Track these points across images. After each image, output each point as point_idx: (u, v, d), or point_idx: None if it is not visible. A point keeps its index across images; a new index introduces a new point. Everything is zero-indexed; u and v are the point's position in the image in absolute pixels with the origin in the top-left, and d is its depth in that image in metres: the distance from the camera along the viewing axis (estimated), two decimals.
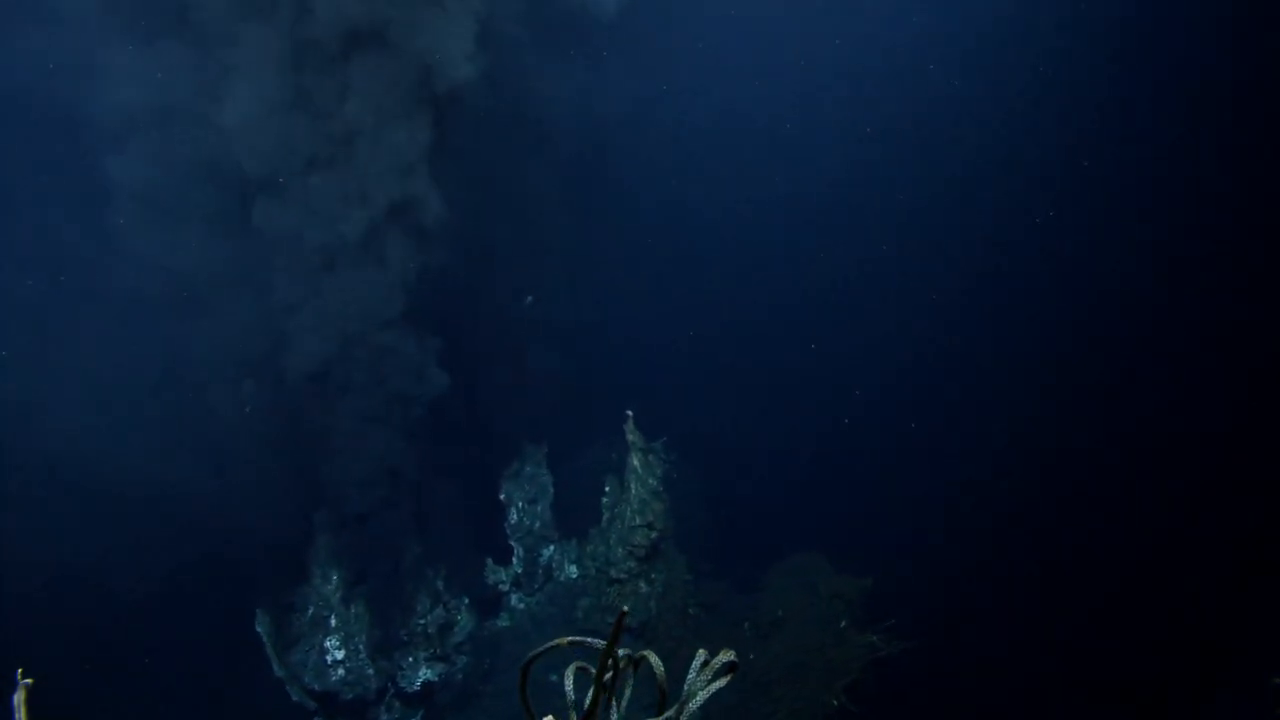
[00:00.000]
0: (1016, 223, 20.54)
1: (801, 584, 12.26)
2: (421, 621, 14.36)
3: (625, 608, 3.99)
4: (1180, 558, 15.18)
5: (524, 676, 3.96)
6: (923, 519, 16.22)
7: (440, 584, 14.53)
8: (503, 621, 13.93)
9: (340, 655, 14.37)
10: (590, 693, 3.58)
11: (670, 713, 3.55)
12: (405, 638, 14.26)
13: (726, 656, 3.65)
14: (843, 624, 12.16)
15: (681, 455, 14.64)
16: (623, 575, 12.77)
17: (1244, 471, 15.99)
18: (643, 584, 12.46)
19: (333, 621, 14.46)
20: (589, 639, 3.61)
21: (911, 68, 22.34)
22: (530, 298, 15.53)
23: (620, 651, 3.57)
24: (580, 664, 3.82)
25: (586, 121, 17.24)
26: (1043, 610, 14.97)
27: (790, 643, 11.93)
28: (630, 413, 13.15)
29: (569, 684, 3.71)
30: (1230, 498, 15.82)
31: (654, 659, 3.66)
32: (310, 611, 14.55)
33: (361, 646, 14.30)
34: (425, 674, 14.06)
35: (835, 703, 12.06)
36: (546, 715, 3.68)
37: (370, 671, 14.10)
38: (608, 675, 3.65)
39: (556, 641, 3.85)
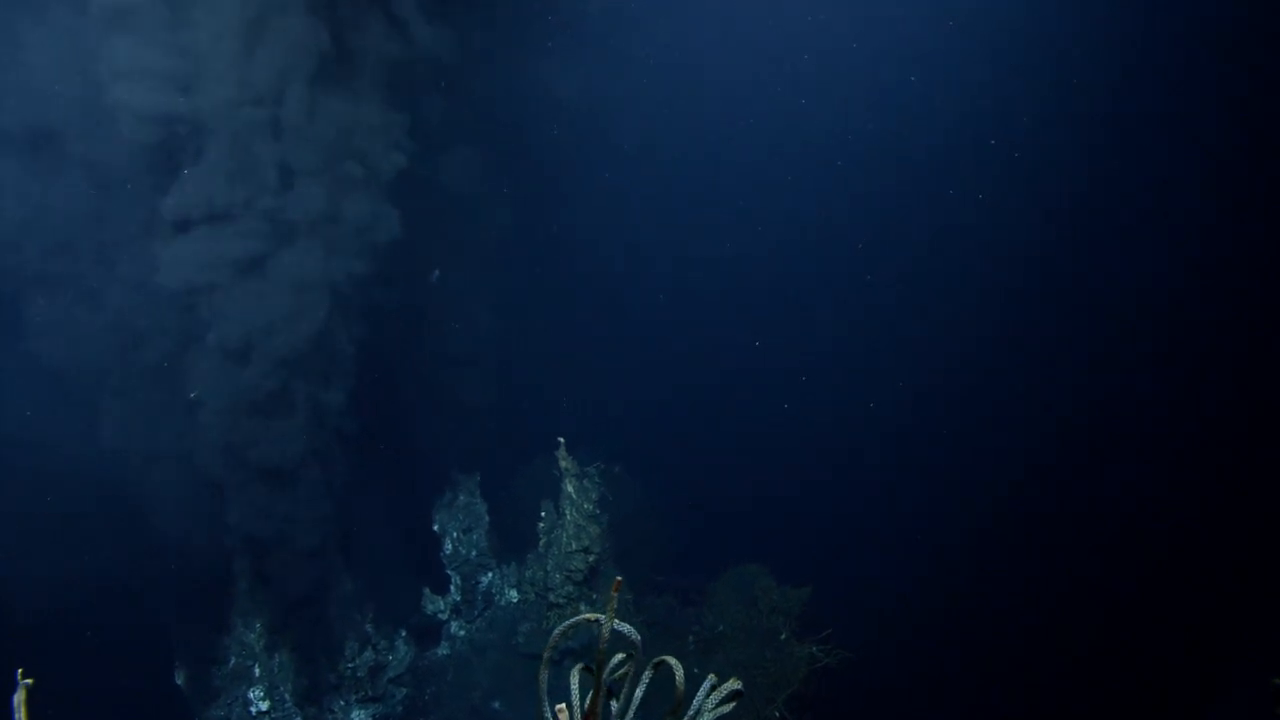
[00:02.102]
0: (956, 242, 21.08)
1: (743, 597, 12.39)
2: (350, 665, 14.01)
3: (619, 577, 4.07)
4: (1179, 559, 15.66)
5: (545, 657, 4.03)
6: (863, 527, 16.49)
7: (369, 627, 14.22)
8: (443, 650, 13.70)
9: (265, 706, 13.87)
10: (614, 691, 3.67)
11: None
12: (335, 681, 13.86)
13: (734, 685, 3.82)
14: (783, 636, 12.33)
15: (625, 469, 14.68)
16: (561, 600, 12.71)
17: (1242, 473, 16.55)
18: (583, 607, 12.41)
19: (256, 671, 13.97)
20: (600, 618, 3.71)
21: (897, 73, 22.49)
22: (436, 272, 15.21)
23: (618, 654, 3.68)
24: (584, 665, 3.90)
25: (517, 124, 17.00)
26: (996, 616, 15.36)
27: (732, 656, 12.04)
28: (561, 439, 13.15)
29: (574, 684, 3.78)
30: (1229, 499, 16.37)
31: (674, 663, 3.78)
32: (232, 662, 14.02)
33: (288, 695, 13.84)
34: (358, 716, 13.69)
35: (777, 714, 12.19)
36: (560, 704, 3.73)
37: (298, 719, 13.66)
38: (618, 672, 3.75)
39: (584, 616, 3.93)
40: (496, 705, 12.93)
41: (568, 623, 4.07)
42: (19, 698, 3.51)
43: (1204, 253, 18.92)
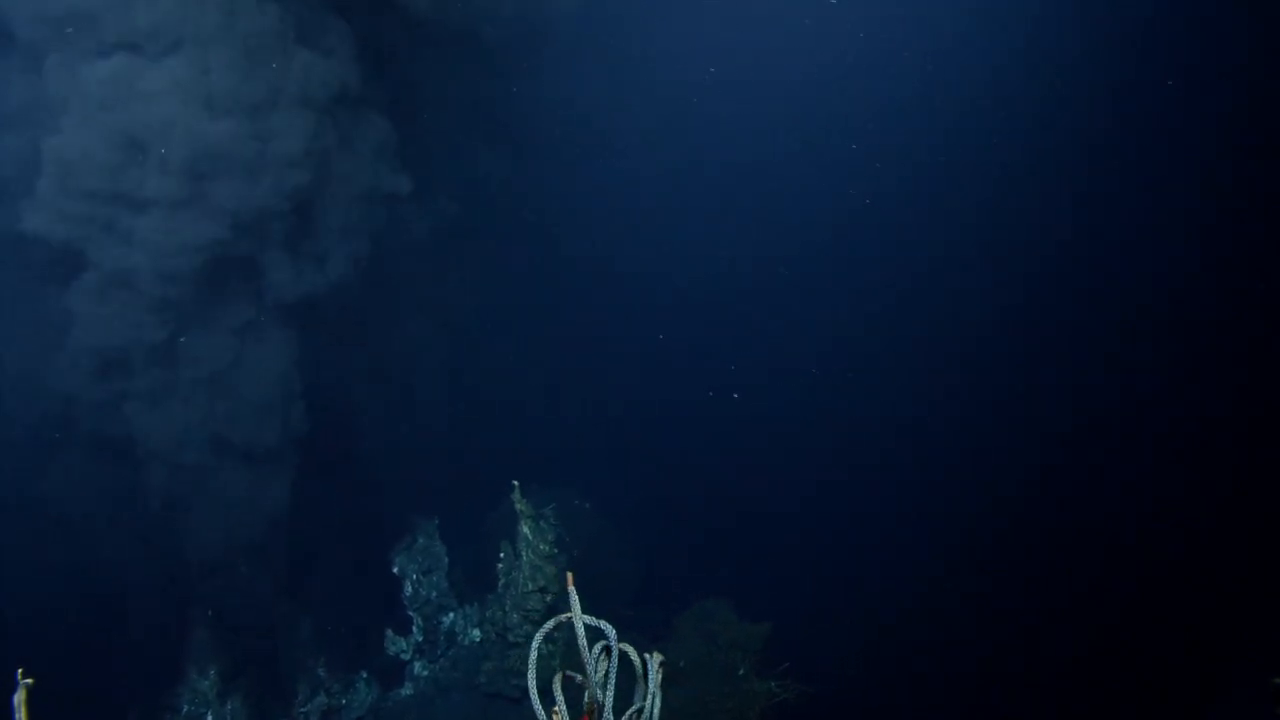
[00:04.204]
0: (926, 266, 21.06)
1: (703, 632, 12.57)
2: (303, 710, 13.97)
3: (570, 572, 4.34)
4: (1179, 559, 15.62)
5: (532, 659, 4.24)
6: (825, 560, 16.44)
7: (321, 671, 14.17)
8: (406, 690, 13.69)
9: None
10: (602, 691, 3.91)
11: (644, 704, 3.97)
12: None
13: (659, 658, 4.13)
14: (741, 672, 12.51)
15: (594, 505, 14.81)
16: (520, 639, 12.81)
17: (1242, 473, 16.56)
18: (544, 645, 12.49)
19: (209, 719, 13.82)
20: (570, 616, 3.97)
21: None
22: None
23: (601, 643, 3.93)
24: (568, 671, 4.14)
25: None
26: (996, 616, 15.34)
27: (692, 692, 12.16)
28: (516, 482, 13.27)
29: (557, 689, 4.00)
30: (1229, 499, 16.36)
31: (628, 648, 4.05)
32: (185, 710, 13.85)
33: None
34: None
35: None
36: (555, 707, 3.94)
37: None
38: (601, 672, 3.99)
39: (561, 617, 4.18)
40: None
41: (549, 624, 4.28)
42: (19, 697, 3.60)
43: (1205, 252, 18.98)
